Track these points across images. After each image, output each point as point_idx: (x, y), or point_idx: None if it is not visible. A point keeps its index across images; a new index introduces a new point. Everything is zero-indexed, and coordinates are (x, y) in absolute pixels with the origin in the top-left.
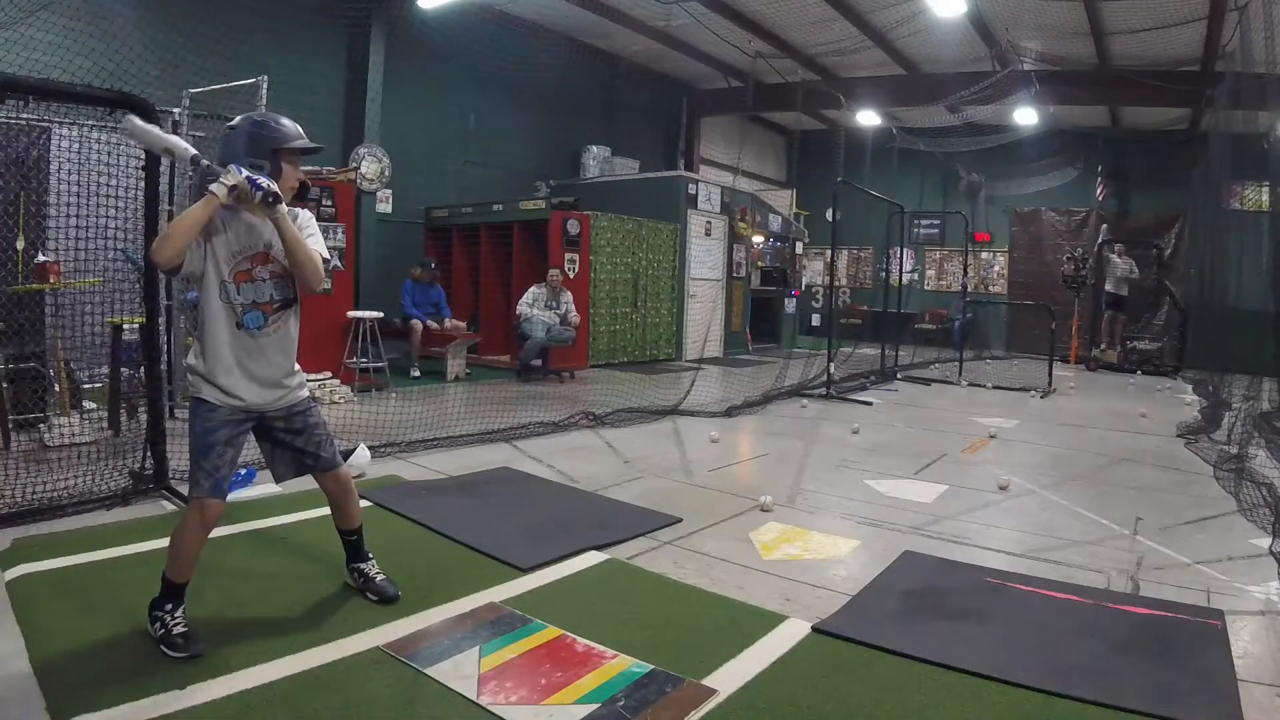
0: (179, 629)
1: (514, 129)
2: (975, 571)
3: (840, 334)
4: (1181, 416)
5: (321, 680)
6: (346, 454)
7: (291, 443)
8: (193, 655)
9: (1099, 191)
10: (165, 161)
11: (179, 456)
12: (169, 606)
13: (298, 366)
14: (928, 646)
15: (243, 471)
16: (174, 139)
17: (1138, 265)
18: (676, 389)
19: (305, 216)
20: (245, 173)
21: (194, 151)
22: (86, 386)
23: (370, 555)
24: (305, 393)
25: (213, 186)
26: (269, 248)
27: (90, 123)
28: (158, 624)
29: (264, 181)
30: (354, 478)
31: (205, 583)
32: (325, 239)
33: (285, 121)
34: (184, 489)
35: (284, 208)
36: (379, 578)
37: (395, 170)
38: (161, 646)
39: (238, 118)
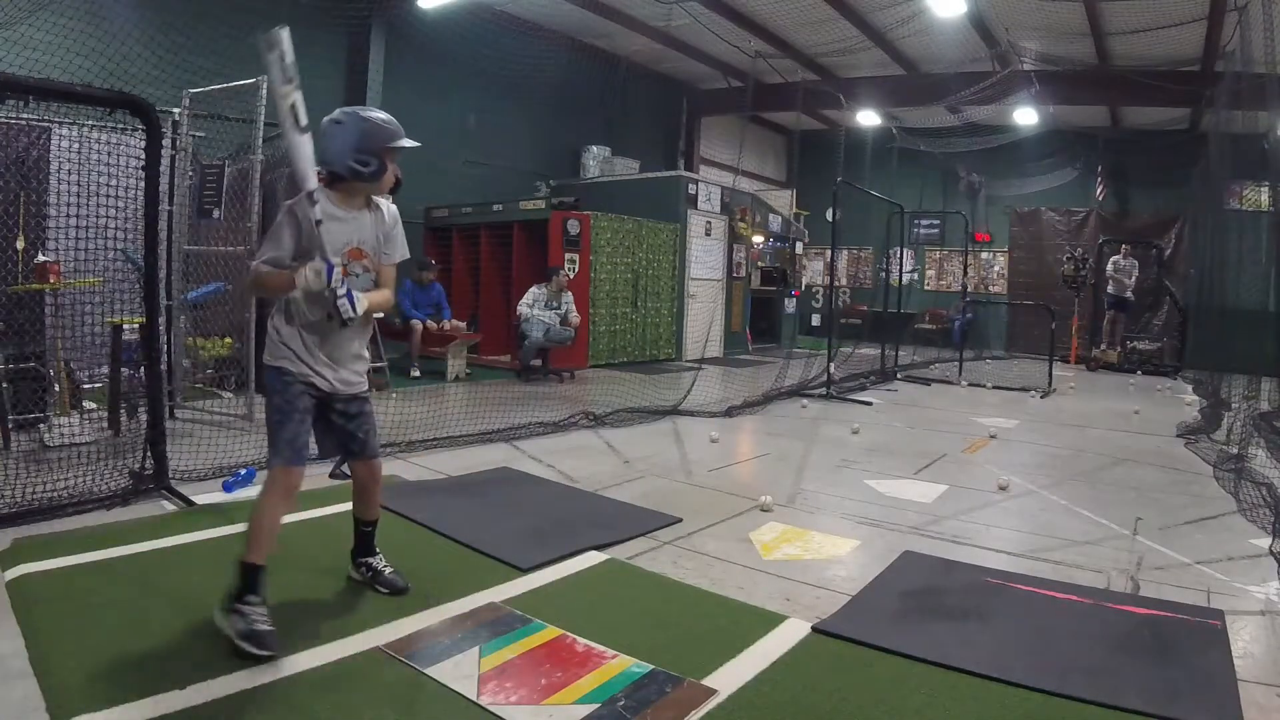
0: (264, 625)
1: (514, 129)
2: (975, 571)
3: (840, 334)
4: (1181, 416)
5: (321, 680)
6: None
7: (344, 425)
8: (273, 656)
9: (1099, 191)
10: (165, 159)
11: (179, 456)
12: (250, 598)
13: (368, 354)
14: (928, 646)
15: (243, 471)
16: (304, 143)
17: (1139, 265)
18: (676, 389)
19: (393, 214)
20: (335, 280)
21: (313, 185)
22: (86, 386)
23: (379, 550)
24: (366, 383)
25: (298, 279)
26: (363, 243)
27: (90, 123)
28: (237, 618)
29: (346, 305)
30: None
31: (205, 583)
32: None
33: (385, 116)
34: (184, 489)
35: (357, 323)
36: (388, 570)
37: None
38: (241, 643)
39: (339, 112)
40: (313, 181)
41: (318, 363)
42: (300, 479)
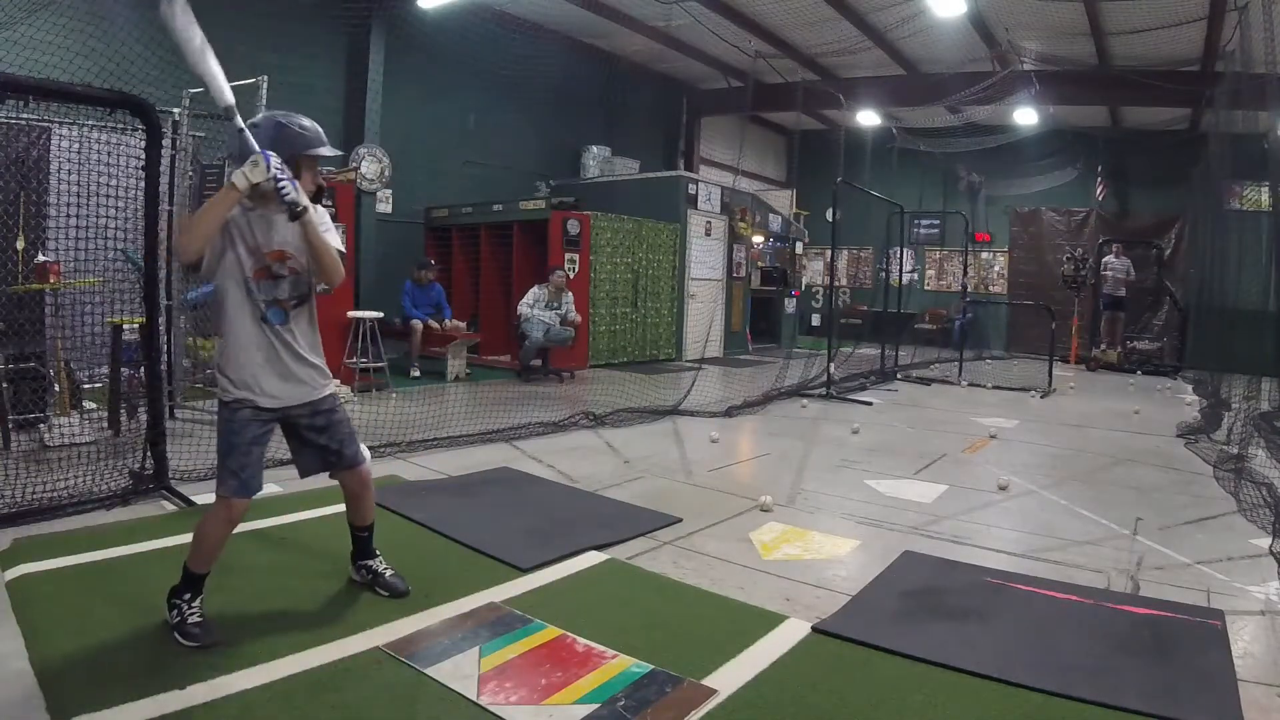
0: (194, 618)
1: (514, 129)
2: (975, 571)
3: (840, 334)
4: (1181, 416)
5: (321, 680)
6: None
7: (315, 440)
8: (205, 644)
9: (1099, 191)
10: (165, 159)
11: (179, 456)
12: (187, 596)
13: (322, 363)
14: (928, 646)
15: None
16: (215, 70)
17: (1138, 265)
18: (676, 389)
19: (320, 213)
20: (274, 169)
21: (230, 101)
22: (86, 386)
23: (378, 552)
24: (330, 390)
25: (234, 178)
26: (285, 244)
27: (90, 123)
28: (174, 612)
29: (287, 186)
30: None
31: (205, 583)
32: None
33: (308, 124)
34: (184, 489)
35: (310, 215)
36: (388, 573)
37: (395, 170)
38: (176, 634)
39: (259, 116)
40: (228, 97)
41: (259, 378)
42: (243, 511)
